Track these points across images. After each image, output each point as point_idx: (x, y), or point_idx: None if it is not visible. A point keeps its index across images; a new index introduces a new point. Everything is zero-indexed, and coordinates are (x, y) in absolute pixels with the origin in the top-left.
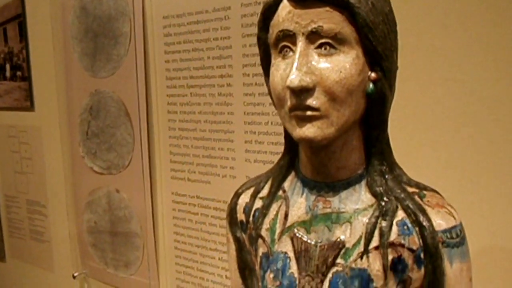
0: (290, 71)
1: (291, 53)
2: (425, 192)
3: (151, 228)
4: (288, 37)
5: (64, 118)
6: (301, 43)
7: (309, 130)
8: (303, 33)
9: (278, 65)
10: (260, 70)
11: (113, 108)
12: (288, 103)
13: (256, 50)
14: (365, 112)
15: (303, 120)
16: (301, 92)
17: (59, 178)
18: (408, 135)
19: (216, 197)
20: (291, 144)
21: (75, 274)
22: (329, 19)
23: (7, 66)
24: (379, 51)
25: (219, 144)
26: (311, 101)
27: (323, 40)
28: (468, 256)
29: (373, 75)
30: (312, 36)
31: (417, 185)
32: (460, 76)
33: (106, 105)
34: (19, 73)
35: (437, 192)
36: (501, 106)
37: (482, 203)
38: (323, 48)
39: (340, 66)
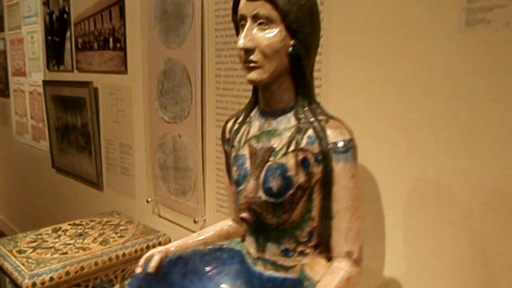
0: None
1: (245, 28)
2: (330, 120)
3: (200, 165)
4: (244, 18)
5: (146, 80)
6: (248, 21)
7: (252, 75)
8: (249, 16)
9: (240, 35)
10: None
11: (179, 72)
12: (242, 58)
13: None
14: (291, 66)
15: (249, 69)
16: (247, 52)
17: (141, 125)
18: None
19: None
20: (256, 89)
21: (148, 200)
22: (263, 8)
23: (111, 39)
24: (293, 28)
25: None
26: (253, 57)
27: (260, 20)
28: (351, 160)
29: (291, 42)
30: (254, 18)
31: (327, 115)
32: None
33: (175, 70)
34: (118, 44)
35: (340, 121)
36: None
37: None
38: (260, 25)
39: (270, 36)
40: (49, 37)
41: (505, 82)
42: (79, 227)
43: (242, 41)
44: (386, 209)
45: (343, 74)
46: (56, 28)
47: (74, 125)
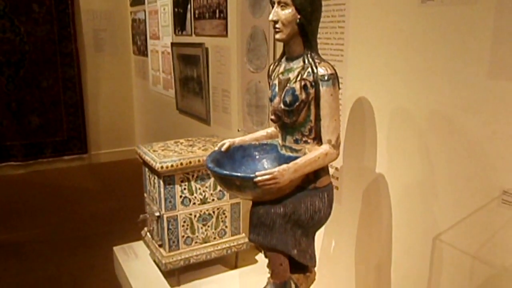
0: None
1: (273, 8)
2: (322, 62)
3: None
4: (273, 2)
5: (239, 41)
6: (275, 4)
7: (277, 36)
8: (276, 2)
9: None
10: None
11: (260, 35)
12: (272, 26)
13: None
14: (299, 30)
15: (276, 32)
16: (274, 22)
17: (235, 75)
18: None
19: None
20: (284, 45)
21: (239, 130)
22: None
23: (217, 11)
24: (299, 8)
25: None
26: (277, 25)
27: (281, 4)
28: (331, 85)
29: (298, 16)
30: (279, 3)
31: (321, 59)
32: None
33: (257, 33)
34: (222, 15)
35: (328, 63)
36: None
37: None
38: (281, 7)
39: (286, 12)
40: (176, 9)
41: (447, 40)
42: (191, 141)
43: (271, 16)
44: (378, 126)
45: (358, 43)
46: (181, 1)
47: (191, 76)
